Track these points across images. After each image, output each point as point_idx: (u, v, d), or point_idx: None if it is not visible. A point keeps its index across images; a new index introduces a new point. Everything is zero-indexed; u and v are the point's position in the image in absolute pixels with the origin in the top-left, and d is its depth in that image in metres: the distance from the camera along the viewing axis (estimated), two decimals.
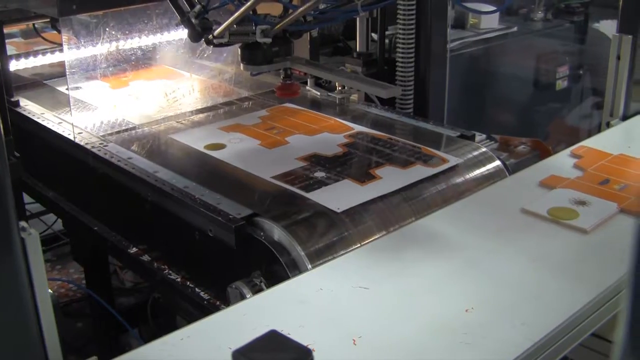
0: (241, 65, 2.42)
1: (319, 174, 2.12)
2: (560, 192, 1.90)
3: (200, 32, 2.25)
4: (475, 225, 1.78)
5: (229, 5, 2.22)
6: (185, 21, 2.24)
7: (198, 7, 2.22)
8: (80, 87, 2.89)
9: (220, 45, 2.28)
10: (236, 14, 2.15)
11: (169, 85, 2.96)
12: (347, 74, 2.72)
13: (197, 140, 2.43)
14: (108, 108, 2.75)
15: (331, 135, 2.44)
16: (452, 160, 2.20)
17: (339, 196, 1.98)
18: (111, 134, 2.50)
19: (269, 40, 2.24)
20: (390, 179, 2.09)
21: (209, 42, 2.27)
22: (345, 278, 1.57)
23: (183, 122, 2.65)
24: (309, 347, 1.28)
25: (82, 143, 2.42)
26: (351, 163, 2.23)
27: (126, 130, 2.56)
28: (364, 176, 2.11)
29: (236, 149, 2.36)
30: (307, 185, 2.05)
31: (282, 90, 2.58)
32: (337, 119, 2.58)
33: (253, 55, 2.37)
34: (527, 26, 4.22)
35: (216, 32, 2.22)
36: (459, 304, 1.45)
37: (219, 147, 2.37)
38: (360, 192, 2.01)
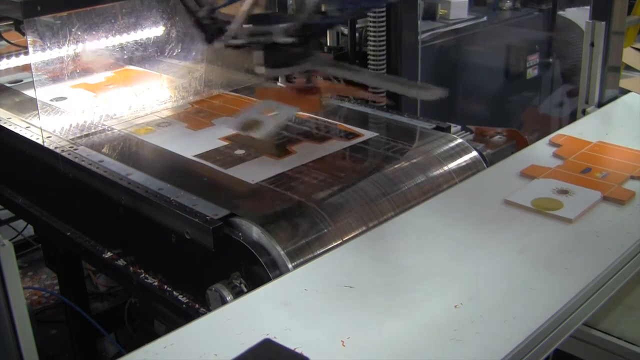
0: (259, 69, 2.10)
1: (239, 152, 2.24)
2: (542, 182, 1.88)
3: (214, 32, 2.07)
4: (458, 218, 1.76)
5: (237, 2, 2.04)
6: (196, 22, 2.08)
7: (207, 6, 2.04)
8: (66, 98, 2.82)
9: (237, 47, 2.05)
10: (243, 11, 1.98)
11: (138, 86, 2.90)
12: (383, 77, 2.60)
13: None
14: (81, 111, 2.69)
15: None
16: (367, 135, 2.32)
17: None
18: (80, 137, 2.45)
19: (290, 40, 2.00)
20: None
21: (226, 45, 2.07)
22: (330, 277, 1.54)
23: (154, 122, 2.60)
24: (296, 350, 1.25)
25: (51, 147, 2.37)
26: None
27: (95, 133, 2.51)
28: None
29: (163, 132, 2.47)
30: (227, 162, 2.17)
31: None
32: None
33: (273, 58, 2.06)
34: (496, 16, 4.21)
35: (229, 32, 2.02)
36: (447, 300, 1.43)
37: (149, 130, 2.48)
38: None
